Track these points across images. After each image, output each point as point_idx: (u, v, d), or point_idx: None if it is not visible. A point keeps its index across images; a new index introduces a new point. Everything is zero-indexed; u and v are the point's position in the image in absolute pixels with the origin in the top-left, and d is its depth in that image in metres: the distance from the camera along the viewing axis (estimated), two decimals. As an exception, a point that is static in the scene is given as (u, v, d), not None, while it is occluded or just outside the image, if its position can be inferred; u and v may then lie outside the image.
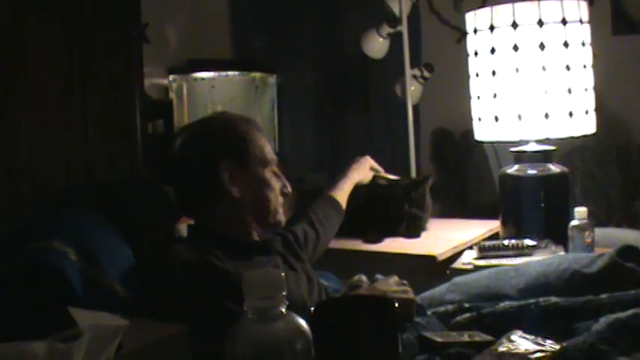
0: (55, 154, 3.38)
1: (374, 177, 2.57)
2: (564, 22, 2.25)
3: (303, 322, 0.90)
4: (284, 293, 0.88)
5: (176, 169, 1.81)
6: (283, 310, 0.88)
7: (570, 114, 2.28)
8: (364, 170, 2.51)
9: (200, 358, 1.29)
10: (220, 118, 1.90)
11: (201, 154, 1.76)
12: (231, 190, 1.73)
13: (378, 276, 1.79)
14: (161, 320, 1.29)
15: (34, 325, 1.21)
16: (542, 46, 2.24)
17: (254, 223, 1.79)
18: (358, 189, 2.46)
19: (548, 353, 1.34)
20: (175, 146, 1.80)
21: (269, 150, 1.82)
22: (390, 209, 2.55)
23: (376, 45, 3.53)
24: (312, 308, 1.01)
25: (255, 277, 0.89)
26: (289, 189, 1.85)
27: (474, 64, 2.41)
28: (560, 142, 2.38)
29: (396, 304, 1.04)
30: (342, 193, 2.34)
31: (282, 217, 1.83)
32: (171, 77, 4.34)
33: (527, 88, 2.27)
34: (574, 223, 2.19)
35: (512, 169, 2.43)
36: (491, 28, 2.30)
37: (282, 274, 0.90)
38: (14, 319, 1.40)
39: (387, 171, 2.63)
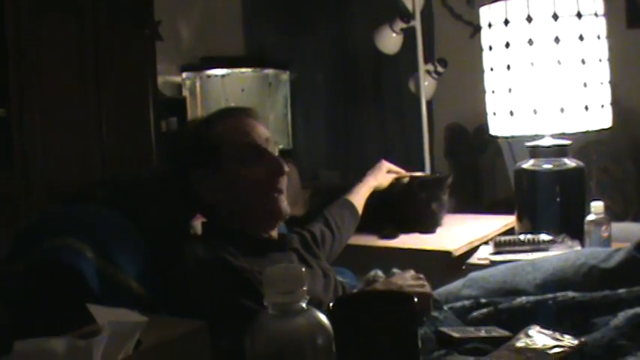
0: (69, 151, 3.41)
1: (396, 179, 2.53)
2: (579, 15, 2.23)
3: (323, 317, 0.89)
4: (305, 288, 0.88)
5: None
6: (304, 305, 0.88)
7: (586, 108, 2.26)
8: (381, 175, 2.47)
9: (219, 355, 1.29)
10: (192, 125, 1.91)
11: (174, 167, 1.80)
12: (209, 199, 1.71)
13: (395, 270, 1.79)
14: (178, 317, 1.29)
15: (52, 322, 1.21)
16: (557, 40, 2.23)
17: (254, 224, 1.75)
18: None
19: (566, 348, 1.34)
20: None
21: (255, 136, 1.72)
22: (415, 207, 2.54)
23: (389, 40, 3.52)
24: (331, 304, 1.01)
25: (275, 272, 0.88)
26: (284, 168, 1.71)
27: (488, 59, 2.40)
28: (576, 136, 2.37)
29: (415, 299, 1.03)
30: (358, 197, 2.32)
31: (283, 210, 1.73)
32: (184, 75, 4.36)
33: (543, 82, 2.26)
34: (590, 217, 2.18)
35: (528, 164, 2.42)
36: (506, 22, 2.29)
37: (303, 268, 0.90)
38: (33, 317, 1.41)
39: (404, 168, 2.60)
